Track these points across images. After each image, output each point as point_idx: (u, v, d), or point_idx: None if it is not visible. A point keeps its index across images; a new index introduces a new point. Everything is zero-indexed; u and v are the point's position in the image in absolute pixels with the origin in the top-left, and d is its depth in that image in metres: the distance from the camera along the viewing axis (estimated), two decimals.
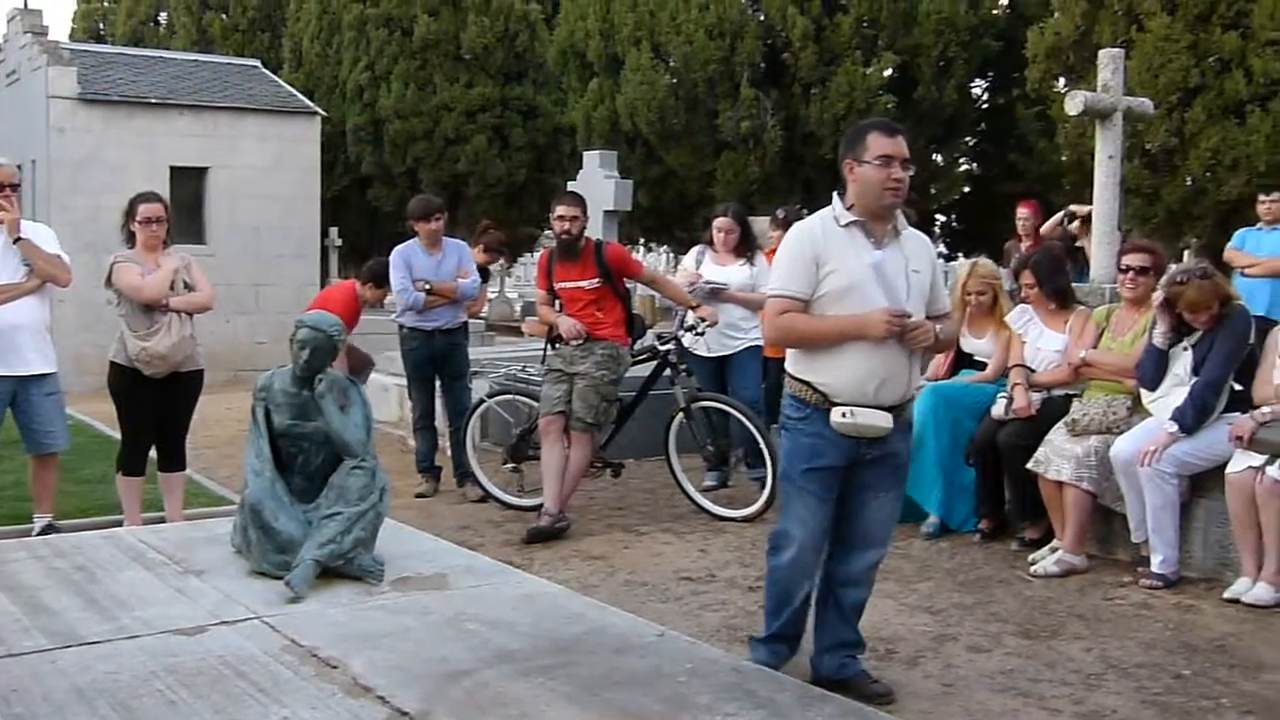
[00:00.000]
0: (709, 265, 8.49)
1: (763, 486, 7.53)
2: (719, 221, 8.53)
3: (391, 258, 8.35)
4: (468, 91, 21.79)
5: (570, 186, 11.14)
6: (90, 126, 15.37)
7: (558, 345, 7.45)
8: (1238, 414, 5.94)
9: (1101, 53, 8.88)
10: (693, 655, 3.31)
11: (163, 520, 6.71)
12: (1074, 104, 8.44)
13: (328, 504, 4.04)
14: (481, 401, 8.36)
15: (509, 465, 8.07)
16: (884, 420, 4.44)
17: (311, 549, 3.86)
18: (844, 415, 4.42)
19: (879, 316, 4.35)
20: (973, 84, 20.23)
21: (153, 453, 7.07)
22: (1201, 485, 6.24)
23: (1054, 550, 6.52)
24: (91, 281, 7.49)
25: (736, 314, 8.16)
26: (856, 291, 4.41)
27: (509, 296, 28.45)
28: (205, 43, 25.34)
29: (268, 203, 16.27)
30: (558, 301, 7.52)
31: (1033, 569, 6.44)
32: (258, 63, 19.02)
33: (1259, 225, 9.64)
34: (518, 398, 8.31)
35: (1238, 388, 6.13)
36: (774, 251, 7.83)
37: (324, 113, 18.00)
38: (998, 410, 6.90)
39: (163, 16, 28.71)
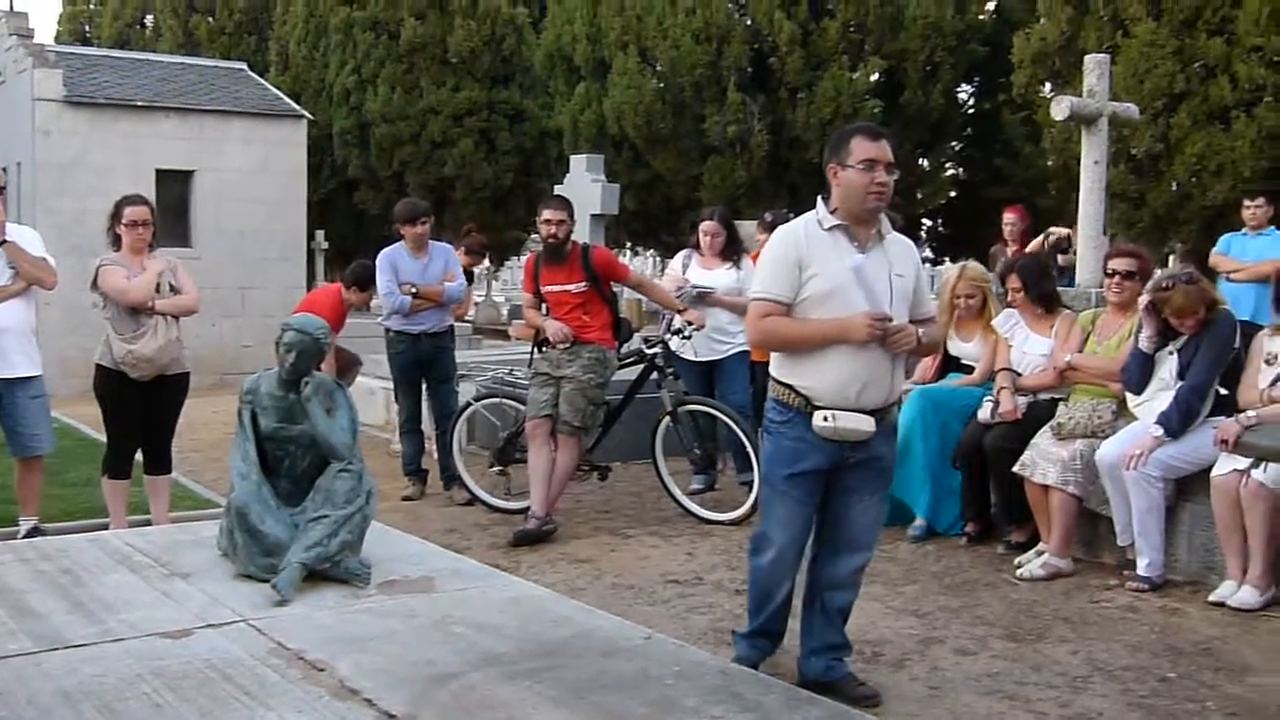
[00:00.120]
0: (696, 269, 8.49)
1: (750, 490, 7.53)
2: (705, 225, 8.54)
3: (378, 261, 8.34)
4: (454, 95, 21.78)
5: (557, 190, 11.13)
6: (76, 129, 15.32)
7: (544, 349, 7.45)
8: (1223, 418, 5.96)
9: (1087, 58, 8.92)
10: (680, 658, 3.31)
11: (149, 523, 6.68)
12: (1060, 109, 8.47)
13: (314, 507, 4.03)
14: (468, 405, 8.36)
15: (495, 468, 8.06)
16: (866, 424, 4.44)
17: (298, 552, 3.85)
18: (825, 419, 4.43)
19: (860, 320, 4.36)
20: (959, 89, 20.28)
21: (139, 456, 7.05)
22: (1187, 489, 6.27)
23: (1040, 553, 6.53)
24: (77, 284, 7.47)
25: (724, 318, 8.17)
26: (838, 295, 4.42)
27: (496, 300, 28.42)
28: (191, 45, 25.28)
29: (254, 206, 16.24)
30: (544, 305, 7.52)
31: (1019, 572, 6.46)
32: (244, 66, 18.98)
33: (1244, 230, 9.68)
34: (504, 401, 8.31)
35: (1223, 392, 6.15)
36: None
37: (310, 116, 17.97)
38: (984, 414, 6.92)
39: (149, 19, 28.64)
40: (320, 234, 22.11)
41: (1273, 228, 9.57)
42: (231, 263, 15.93)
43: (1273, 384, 5.94)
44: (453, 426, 8.27)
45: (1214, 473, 5.95)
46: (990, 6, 20.01)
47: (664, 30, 18.10)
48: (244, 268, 16.14)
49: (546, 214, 7.35)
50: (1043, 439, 6.59)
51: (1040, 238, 10.19)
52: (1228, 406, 6.08)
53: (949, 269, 8.43)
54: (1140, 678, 4.97)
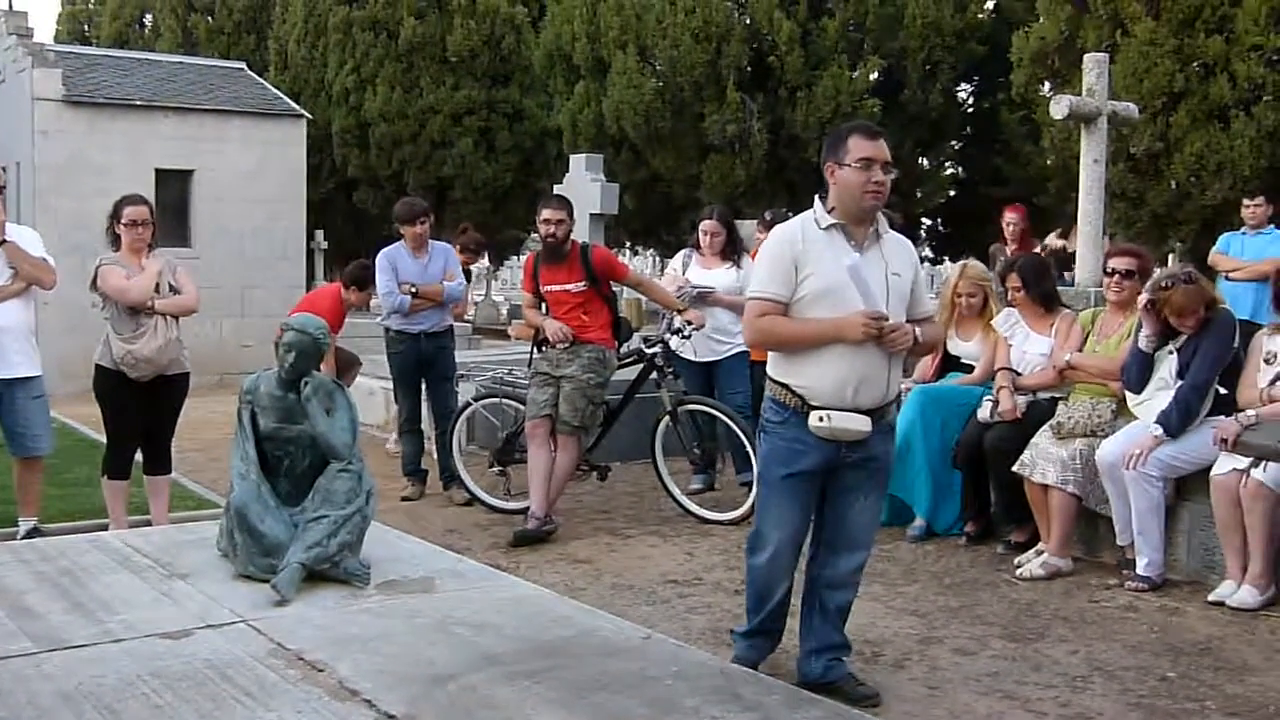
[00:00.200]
0: (696, 269, 8.50)
1: (749, 490, 7.52)
2: (705, 225, 8.54)
3: (377, 261, 8.34)
4: (454, 94, 21.75)
5: (556, 190, 11.14)
6: (75, 129, 15.30)
7: (544, 348, 7.44)
8: (1222, 417, 5.96)
9: (1086, 57, 8.92)
10: (679, 658, 3.30)
11: (148, 523, 6.69)
12: (1059, 108, 8.47)
13: (314, 507, 4.02)
14: (468, 405, 8.36)
15: (495, 468, 8.07)
16: (862, 424, 4.45)
17: (298, 552, 3.85)
18: (821, 419, 4.44)
19: (856, 319, 4.36)
20: (958, 88, 20.25)
21: (138, 456, 7.05)
22: (1186, 488, 6.27)
23: (1039, 553, 6.54)
24: (76, 284, 7.46)
25: (724, 318, 8.17)
26: (834, 294, 4.42)
27: (495, 300, 28.38)
28: (190, 45, 25.24)
29: (253, 206, 16.22)
30: (544, 305, 7.52)
31: (1018, 572, 6.46)
32: (243, 65, 18.95)
33: (1243, 229, 9.69)
34: (504, 401, 8.31)
35: (1222, 391, 6.15)
36: None
37: (310, 115, 17.95)
38: (983, 413, 6.92)
39: (148, 18, 28.60)
40: (320, 233, 22.09)
41: (1272, 226, 9.59)
42: (231, 262, 15.92)
43: (1272, 383, 5.95)
44: (452, 426, 8.27)
45: (1213, 472, 5.95)
46: (989, 6, 19.99)
47: (663, 29, 18.07)
48: (243, 267, 16.12)
49: (546, 213, 7.34)
50: (1042, 438, 6.59)
51: (1037, 250, 10.22)
52: (1227, 406, 6.08)
53: (952, 268, 8.43)
54: (1140, 677, 4.97)
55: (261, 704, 2.90)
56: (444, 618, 3.58)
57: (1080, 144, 8.64)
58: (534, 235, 8.49)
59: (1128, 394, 6.43)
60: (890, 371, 4.55)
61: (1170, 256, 16.06)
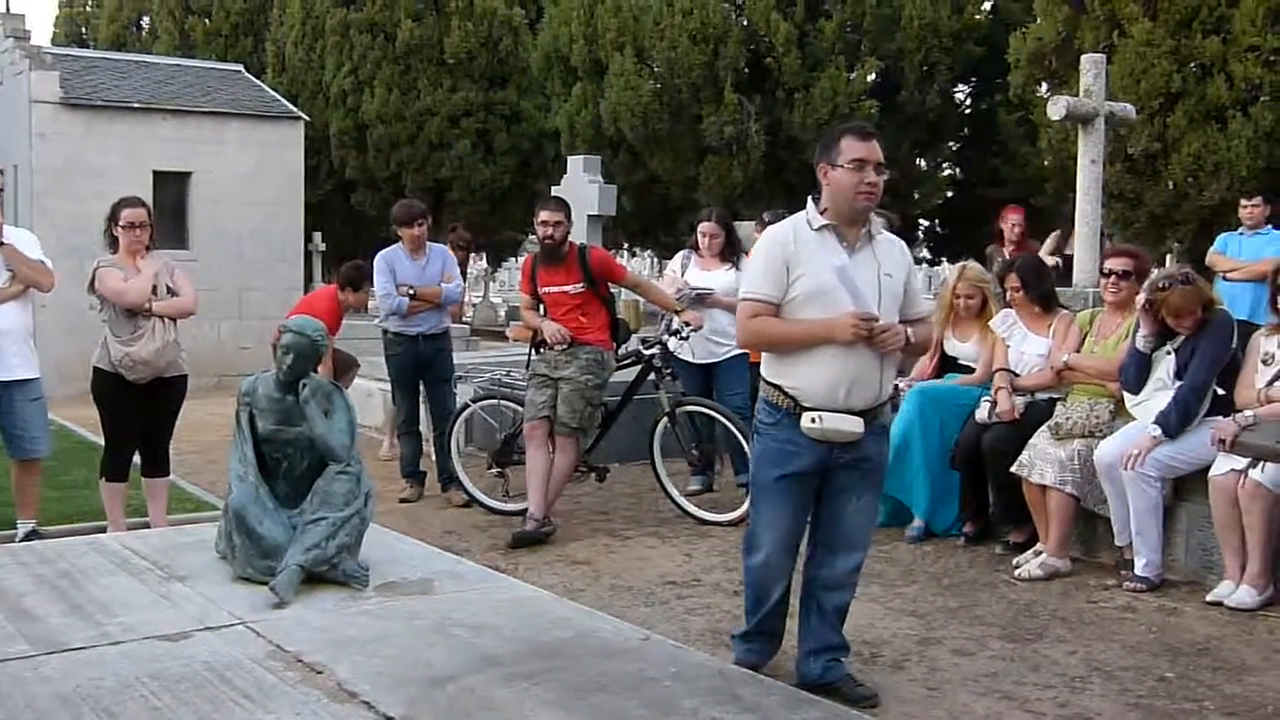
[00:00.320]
0: (694, 270, 8.49)
1: (748, 491, 7.52)
2: (704, 226, 8.54)
3: (375, 263, 8.34)
4: (451, 96, 21.76)
5: (554, 191, 11.15)
6: (72, 131, 15.30)
7: (542, 350, 7.44)
8: (1220, 418, 5.97)
9: (1084, 58, 8.92)
10: (678, 659, 3.31)
11: (147, 526, 6.69)
12: (1056, 109, 8.48)
13: (312, 509, 4.02)
14: (466, 406, 8.36)
15: (493, 470, 8.07)
16: (854, 425, 4.45)
17: (296, 554, 3.85)
18: (813, 421, 4.44)
19: (846, 320, 4.36)
20: (955, 89, 20.25)
21: (136, 458, 7.05)
22: (1184, 488, 6.27)
23: (1038, 554, 6.54)
24: (74, 287, 7.46)
25: (723, 320, 8.16)
26: (825, 295, 4.43)
27: (493, 301, 28.39)
28: (188, 47, 25.23)
29: (251, 208, 16.22)
30: (542, 306, 7.52)
31: (1017, 572, 6.46)
32: (241, 67, 18.96)
33: (1240, 230, 9.70)
34: (502, 402, 8.31)
35: (1220, 392, 6.15)
36: None
37: (307, 117, 17.95)
38: (981, 414, 6.92)
39: (145, 21, 28.58)
40: (318, 235, 22.09)
41: (1269, 227, 9.60)
42: (229, 264, 15.92)
43: (1270, 383, 5.95)
44: (450, 428, 8.27)
45: (1212, 472, 5.95)
46: (987, 7, 20.00)
47: (661, 31, 18.07)
48: (241, 269, 16.13)
49: (544, 215, 7.34)
50: (1040, 439, 6.59)
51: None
52: (1225, 406, 6.08)
53: (950, 270, 8.43)
54: (1138, 677, 4.98)
55: (260, 706, 2.90)
56: (443, 619, 3.58)
57: (1078, 145, 8.65)
58: (532, 237, 8.50)
59: (1126, 394, 6.43)
60: (882, 372, 4.55)
61: (1168, 257, 16.06)
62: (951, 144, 21.37)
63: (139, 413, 6.82)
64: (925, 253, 23.40)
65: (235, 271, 16.00)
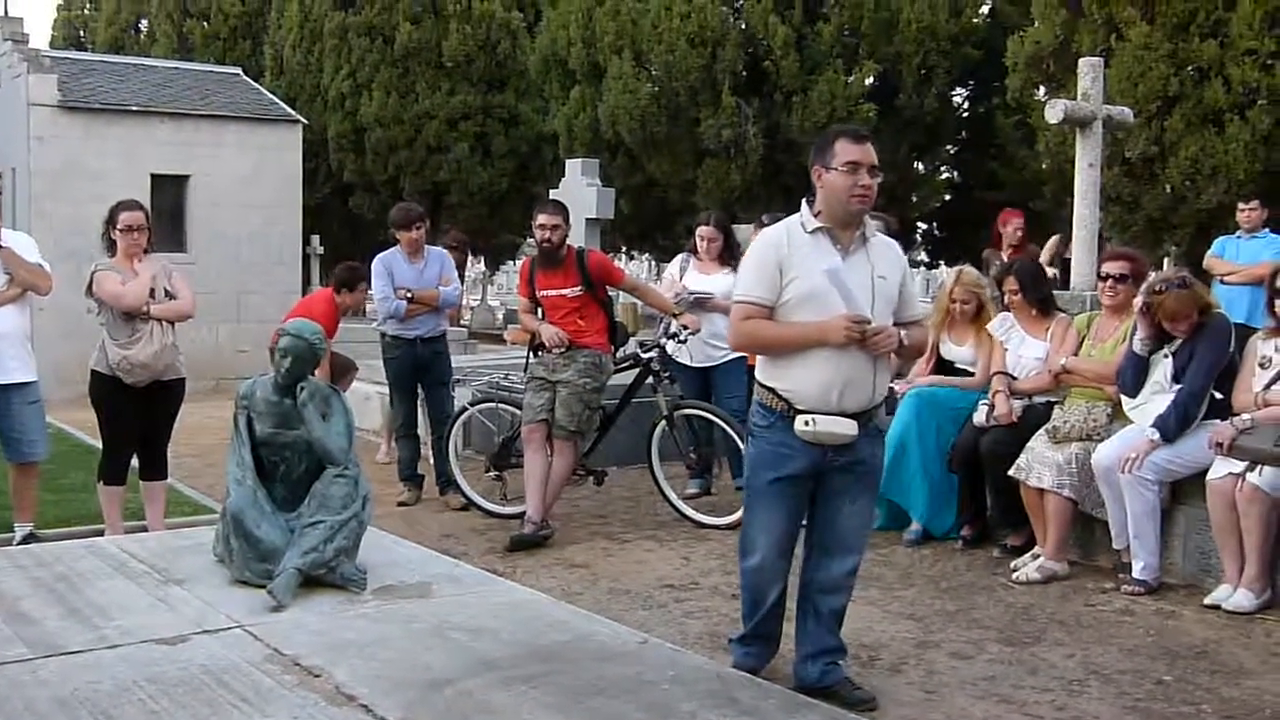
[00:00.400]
0: (693, 274, 8.50)
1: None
2: (702, 230, 8.54)
3: (373, 266, 8.34)
4: (449, 99, 21.77)
5: (552, 194, 11.15)
6: (70, 134, 15.29)
7: (540, 353, 7.45)
8: (1218, 421, 5.97)
9: (1081, 61, 8.92)
10: (676, 663, 3.31)
11: (144, 529, 6.68)
12: (1054, 112, 8.48)
13: (310, 512, 4.03)
14: (464, 410, 8.36)
15: (491, 473, 8.06)
16: (847, 428, 4.45)
17: (294, 558, 3.85)
18: (807, 423, 4.44)
19: (838, 322, 4.36)
20: (953, 93, 20.27)
21: (134, 461, 7.05)
22: (1182, 492, 6.27)
23: (1036, 557, 6.54)
24: (72, 290, 7.45)
25: (721, 324, 8.11)
26: (817, 298, 4.43)
27: (491, 305, 28.39)
28: (186, 50, 25.23)
29: (249, 211, 16.21)
30: (540, 309, 7.52)
31: (1015, 576, 6.46)
32: (239, 70, 18.95)
33: (1238, 233, 9.71)
34: (500, 406, 8.31)
35: (1218, 395, 6.16)
36: None
37: (305, 121, 17.95)
38: (979, 417, 6.92)
39: (143, 24, 28.60)
40: (315, 238, 22.08)
41: (1266, 230, 9.61)
42: (227, 268, 15.91)
43: (1267, 387, 5.96)
44: (448, 431, 8.26)
45: (1209, 476, 5.96)
46: (984, 10, 20.02)
47: (659, 34, 18.08)
48: (239, 272, 16.12)
49: (542, 218, 7.34)
50: (1038, 442, 6.59)
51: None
52: (1223, 410, 6.08)
53: (948, 274, 8.43)
54: (1136, 681, 4.98)
55: (258, 709, 2.90)
56: (440, 623, 3.58)
57: (1075, 148, 8.65)
58: (530, 240, 8.50)
59: (1123, 398, 6.43)
60: (876, 375, 4.54)
61: (1165, 260, 16.07)
62: (949, 147, 21.38)
63: (137, 416, 6.82)
64: (923, 256, 23.42)
65: (233, 275, 15.99)
